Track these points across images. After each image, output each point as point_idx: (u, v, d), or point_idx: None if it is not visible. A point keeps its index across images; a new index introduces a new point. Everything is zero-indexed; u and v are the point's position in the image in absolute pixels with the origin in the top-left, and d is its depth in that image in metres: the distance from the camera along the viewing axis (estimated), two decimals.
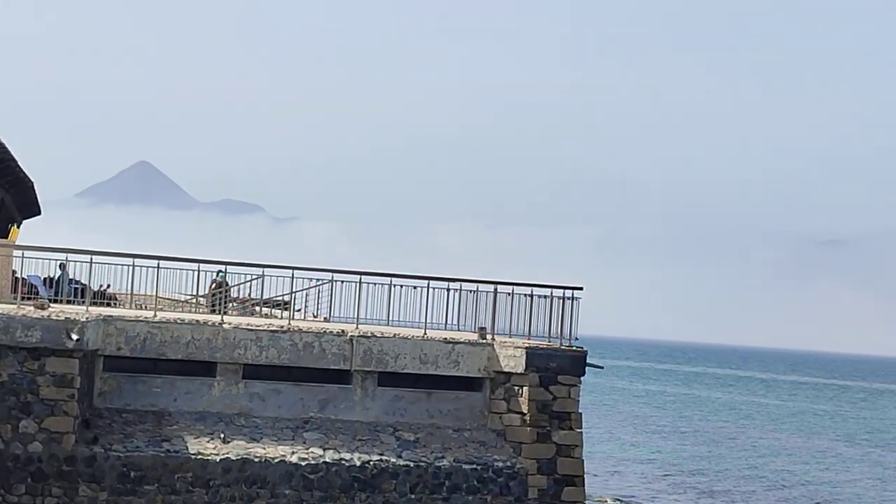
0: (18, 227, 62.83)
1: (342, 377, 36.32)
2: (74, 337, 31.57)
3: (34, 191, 65.35)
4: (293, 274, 39.81)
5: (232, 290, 45.26)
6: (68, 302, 39.34)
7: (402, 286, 37.97)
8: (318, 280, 40.37)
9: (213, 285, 44.80)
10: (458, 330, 38.65)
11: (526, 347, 36.56)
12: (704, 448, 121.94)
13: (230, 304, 45.22)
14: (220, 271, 43.35)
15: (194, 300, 47.00)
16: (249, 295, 46.34)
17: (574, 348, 37.21)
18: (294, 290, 41.15)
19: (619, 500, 77.58)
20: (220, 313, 39.66)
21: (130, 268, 37.05)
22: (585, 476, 37.29)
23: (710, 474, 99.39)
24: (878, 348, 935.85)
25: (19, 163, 55.16)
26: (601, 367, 43.45)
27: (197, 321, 35.70)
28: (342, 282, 38.71)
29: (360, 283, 37.70)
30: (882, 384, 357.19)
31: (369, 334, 36.53)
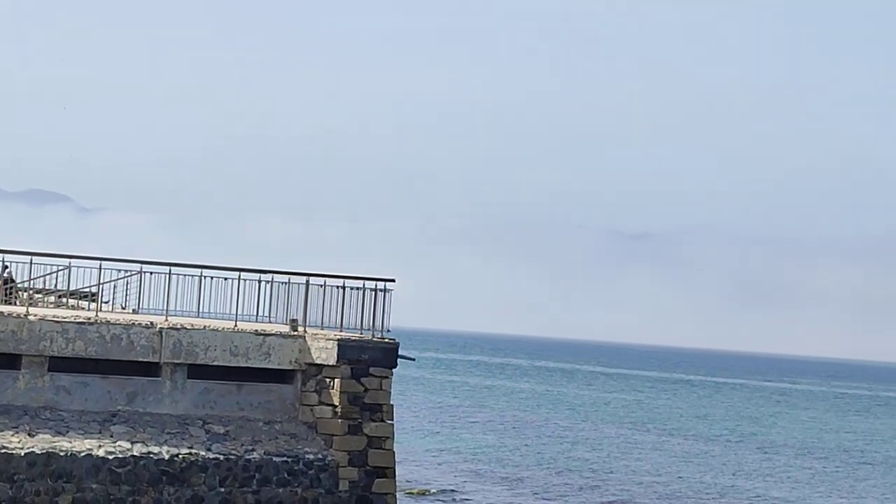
0: None
1: (151, 370, 36.08)
2: None
3: None
4: (101, 265, 39.45)
5: (32, 282, 44.53)
6: None
7: (212, 277, 37.89)
8: (126, 271, 40.13)
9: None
10: (270, 322, 38.80)
11: (338, 339, 36.75)
12: (510, 438, 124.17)
13: (35, 297, 44.55)
14: (6, 265, 42.63)
15: None
16: (56, 286, 45.81)
17: (386, 340, 37.49)
18: (102, 281, 40.86)
19: (429, 491, 78.40)
20: (20, 306, 39.04)
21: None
22: (396, 468, 37.62)
23: (517, 463, 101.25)
24: (683, 340, 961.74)
25: None
26: (413, 359, 44.02)
27: (1, 313, 35.17)
28: (151, 273, 38.45)
29: (170, 274, 37.50)
30: (681, 374, 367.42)
31: (179, 326, 36.36)
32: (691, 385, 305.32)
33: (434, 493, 78.25)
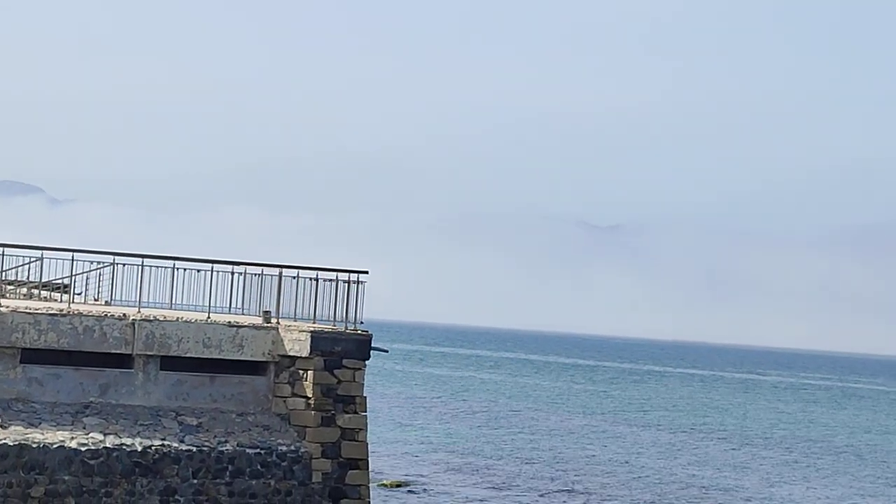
0: None
1: (123, 361, 35.99)
2: None
3: None
4: (73, 256, 39.26)
5: (4, 274, 44.34)
6: None
7: (185, 269, 37.88)
8: (98, 263, 40.11)
9: None
10: (243, 314, 38.90)
11: (311, 331, 36.83)
12: (481, 429, 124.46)
13: (6, 288, 44.41)
14: None
15: None
16: (28, 278, 45.69)
17: (359, 332, 37.57)
18: (74, 273, 40.66)
19: (401, 482, 78.54)
20: None
21: None
22: (369, 459, 37.77)
23: (488, 454, 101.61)
24: (652, 331, 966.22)
25: None
26: (386, 351, 44.04)
27: None
28: (124, 265, 38.66)
29: (143, 266, 37.46)
30: (650, 366, 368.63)
31: (152, 318, 36.31)
32: (660, 376, 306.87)
33: (407, 484, 78.51)
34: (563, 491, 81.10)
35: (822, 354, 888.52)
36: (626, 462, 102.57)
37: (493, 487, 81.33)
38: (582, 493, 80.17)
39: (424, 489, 77.31)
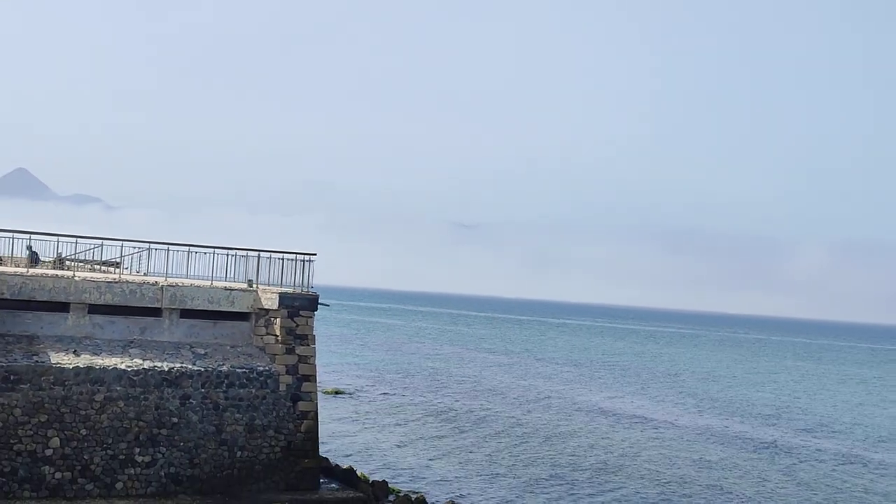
0: None
1: (155, 312, 36.51)
2: None
3: None
4: (122, 244, 40.00)
5: (78, 255, 44.15)
6: None
7: (196, 252, 38.09)
8: (138, 248, 40.27)
9: (30, 253, 42.96)
10: (234, 281, 38.87)
11: (279, 293, 37.35)
12: (392, 355, 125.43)
13: (79, 265, 44.12)
14: (30, 246, 41.92)
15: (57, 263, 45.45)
16: (92, 258, 45.75)
17: (310, 293, 38.01)
18: (122, 255, 41.11)
19: (337, 390, 79.86)
20: (69, 271, 39.30)
21: (10, 240, 36.97)
22: (317, 375, 38.21)
23: (398, 371, 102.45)
24: (495, 291, 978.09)
25: None
26: (328, 305, 44.58)
27: (56, 275, 35.50)
28: (155, 249, 38.77)
29: (168, 250, 37.90)
30: (501, 314, 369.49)
31: (174, 284, 36.89)
32: (502, 321, 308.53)
33: (341, 391, 79.93)
34: (435, 390, 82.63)
35: (598, 307, 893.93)
36: (476, 376, 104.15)
37: (397, 390, 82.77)
38: (448, 391, 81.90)
39: (351, 395, 78.56)
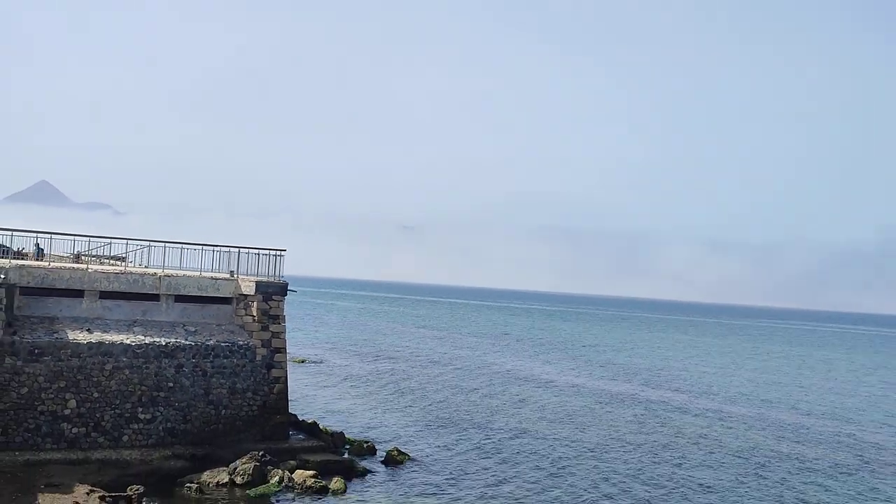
0: None
1: (154, 297, 36.27)
2: (1, 276, 30.95)
3: None
4: (126, 243, 39.60)
5: (90, 251, 43.58)
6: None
7: (187, 249, 37.77)
8: (140, 245, 39.94)
9: (37, 249, 41.86)
10: (219, 272, 38.72)
11: (255, 281, 37.22)
12: (350, 331, 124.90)
13: (92, 259, 43.62)
14: (38, 243, 40.84)
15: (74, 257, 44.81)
16: (102, 254, 45.16)
17: (281, 281, 37.90)
18: (127, 251, 40.76)
19: (303, 359, 79.39)
20: (83, 264, 38.71)
21: (35, 238, 36.26)
22: (287, 348, 38.29)
23: (356, 342, 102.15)
24: (426, 279, 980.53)
25: None
26: (295, 291, 44.41)
27: (73, 267, 35.17)
28: (154, 246, 38.37)
29: (165, 247, 37.53)
30: (427, 297, 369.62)
31: (170, 274, 36.61)
32: (433, 303, 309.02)
33: (306, 360, 79.52)
34: (382, 359, 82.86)
35: (514, 292, 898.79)
36: (415, 347, 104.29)
37: (351, 360, 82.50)
38: (392, 359, 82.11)
39: (314, 363, 78.19)
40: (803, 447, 50.24)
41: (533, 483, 36.55)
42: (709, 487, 38.02)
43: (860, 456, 48.84)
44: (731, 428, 55.58)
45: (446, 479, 36.19)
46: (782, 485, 39.67)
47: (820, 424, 60.25)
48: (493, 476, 37.28)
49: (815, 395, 79.53)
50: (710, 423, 56.83)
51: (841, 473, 43.47)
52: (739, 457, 45.64)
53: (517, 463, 40.39)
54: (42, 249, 42.24)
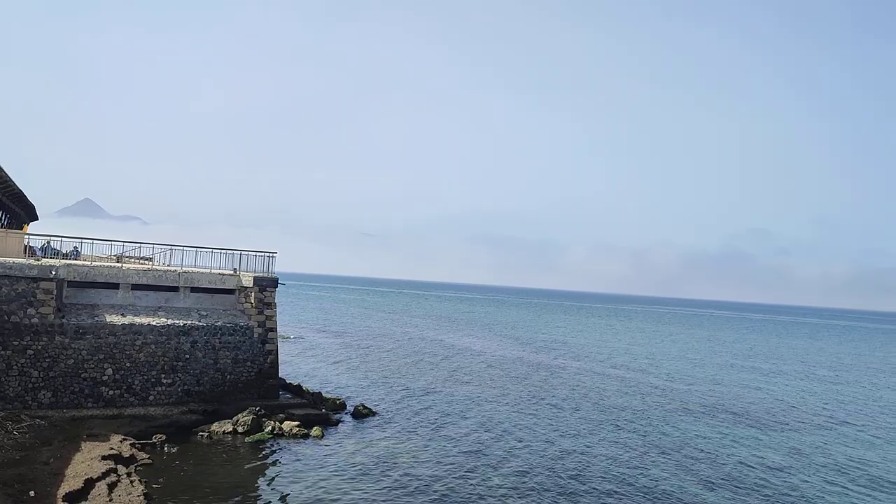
0: (27, 225, 58.15)
1: (174, 289, 36.07)
2: (52, 273, 30.85)
3: (34, 209, 59.84)
4: (153, 247, 39.31)
5: (124, 252, 42.81)
6: (51, 257, 37.32)
7: (200, 251, 37.77)
8: (163, 248, 39.77)
9: (44, 248, 40.26)
10: (225, 269, 38.51)
11: (253, 276, 37.28)
12: (328, 315, 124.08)
13: (125, 258, 42.89)
14: (45, 244, 39.47)
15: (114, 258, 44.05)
16: (133, 255, 44.65)
17: (273, 276, 37.93)
18: (153, 253, 40.59)
19: (291, 336, 78.97)
20: (118, 262, 38.35)
21: (80, 242, 35.89)
22: (278, 328, 38.50)
23: (334, 322, 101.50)
24: (373, 273, 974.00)
25: (26, 195, 50.40)
26: (284, 284, 44.29)
27: (111, 266, 34.95)
28: (175, 249, 38.34)
29: (183, 250, 37.59)
30: (380, 287, 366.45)
31: (187, 270, 36.58)
32: (381, 292, 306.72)
33: (292, 337, 79.22)
34: (351, 335, 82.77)
35: (453, 284, 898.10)
36: (378, 326, 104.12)
37: (327, 336, 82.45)
38: (359, 335, 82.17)
39: (298, 339, 77.88)
40: (651, 398, 51.94)
41: (465, 429, 37.73)
42: (590, 421, 39.50)
43: (685, 406, 50.65)
44: (607, 382, 57.41)
45: (401, 428, 37.11)
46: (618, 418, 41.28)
47: (661, 382, 62.25)
48: (436, 425, 38.32)
49: (664, 360, 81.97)
50: (590, 378, 58.63)
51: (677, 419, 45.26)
52: (600, 402, 47.31)
53: (455, 415, 41.48)
54: (78, 251, 41.67)
